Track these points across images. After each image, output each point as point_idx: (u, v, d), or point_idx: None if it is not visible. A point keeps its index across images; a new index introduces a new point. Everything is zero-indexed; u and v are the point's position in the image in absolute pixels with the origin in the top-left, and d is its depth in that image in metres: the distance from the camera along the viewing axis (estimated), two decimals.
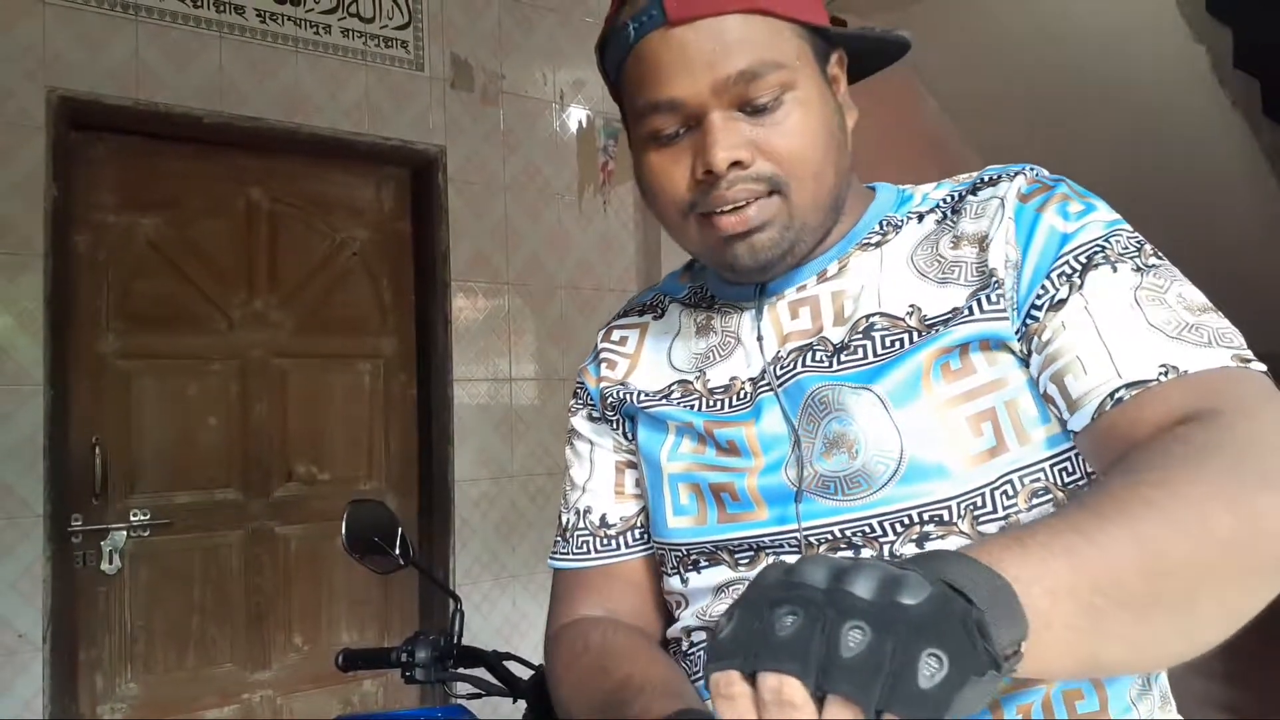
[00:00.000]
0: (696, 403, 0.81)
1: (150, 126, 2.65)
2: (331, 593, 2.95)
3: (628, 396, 0.86)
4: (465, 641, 1.47)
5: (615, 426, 0.88)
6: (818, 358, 0.75)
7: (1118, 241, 0.67)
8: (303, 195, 2.97)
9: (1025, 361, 0.69)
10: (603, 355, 0.91)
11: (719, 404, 0.79)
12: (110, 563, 2.58)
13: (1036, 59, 3.75)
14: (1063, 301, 0.66)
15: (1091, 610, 0.45)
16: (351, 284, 3.06)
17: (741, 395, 0.78)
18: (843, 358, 0.73)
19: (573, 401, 0.93)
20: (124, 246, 2.67)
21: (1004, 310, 0.69)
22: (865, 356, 0.72)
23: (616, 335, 0.92)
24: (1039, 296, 0.67)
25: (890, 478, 0.68)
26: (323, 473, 2.97)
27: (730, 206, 0.72)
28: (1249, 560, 0.50)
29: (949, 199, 0.78)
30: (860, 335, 0.73)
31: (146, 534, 2.64)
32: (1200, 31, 3.53)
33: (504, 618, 3.11)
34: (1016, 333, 0.69)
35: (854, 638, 0.37)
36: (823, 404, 0.72)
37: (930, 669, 0.36)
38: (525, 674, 1.43)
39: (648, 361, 0.88)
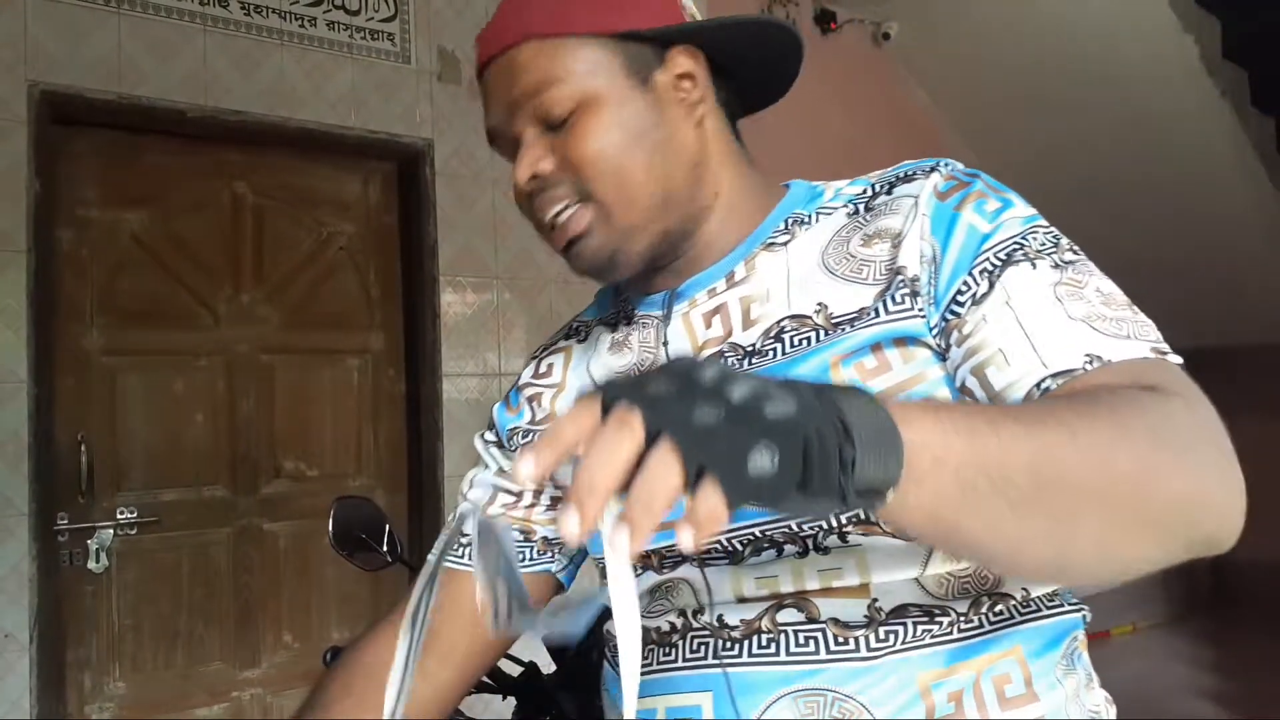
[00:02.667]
0: None
1: (133, 120, 2.62)
2: (321, 590, 2.93)
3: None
4: None
5: None
6: (729, 364, 0.76)
7: (1035, 238, 0.69)
8: (288, 189, 2.95)
9: (941, 356, 0.70)
10: (527, 391, 0.92)
11: None
12: (97, 561, 2.56)
13: (1026, 48, 3.75)
14: (984, 296, 0.67)
15: (969, 487, 0.48)
16: (338, 278, 3.04)
17: None
18: (753, 360, 0.75)
19: (487, 431, 0.94)
20: (108, 242, 2.65)
21: (914, 308, 0.70)
22: (775, 357, 0.74)
23: (543, 366, 0.93)
24: (960, 293, 0.68)
25: None
26: (311, 469, 2.95)
27: (548, 218, 0.76)
28: (1136, 507, 0.53)
29: (863, 194, 0.79)
30: (772, 340, 0.75)
31: (133, 532, 2.62)
32: (1189, 22, 3.54)
33: None
34: (934, 328, 0.70)
35: (707, 412, 0.41)
36: None
37: (761, 462, 0.40)
38: (515, 671, 1.43)
39: (572, 387, 0.89)
